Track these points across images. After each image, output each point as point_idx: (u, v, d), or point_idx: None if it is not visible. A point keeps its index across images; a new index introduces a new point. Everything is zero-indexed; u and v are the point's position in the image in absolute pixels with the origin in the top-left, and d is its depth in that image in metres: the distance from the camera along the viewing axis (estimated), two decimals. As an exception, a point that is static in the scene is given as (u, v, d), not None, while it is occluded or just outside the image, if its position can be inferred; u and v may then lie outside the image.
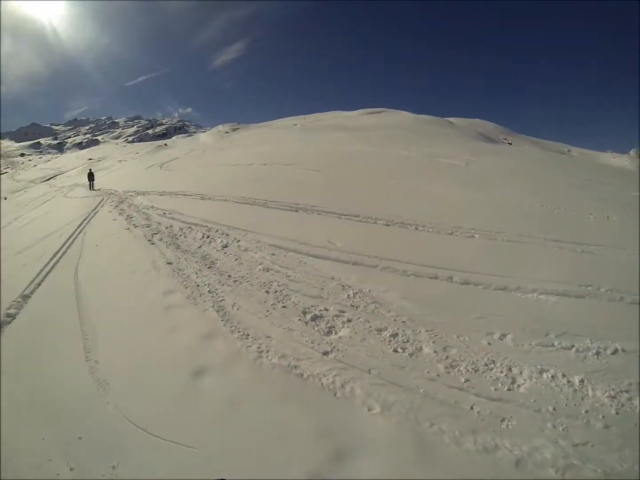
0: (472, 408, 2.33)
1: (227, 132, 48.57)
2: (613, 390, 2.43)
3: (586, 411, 2.28)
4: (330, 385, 2.59)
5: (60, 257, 5.95)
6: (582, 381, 2.52)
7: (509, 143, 35.13)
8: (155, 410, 2.43)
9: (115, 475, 1.98)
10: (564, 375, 2.57)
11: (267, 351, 3.00)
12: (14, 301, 4.38)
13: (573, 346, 2.86)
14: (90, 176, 15.43)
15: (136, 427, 2.26)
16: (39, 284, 4.91)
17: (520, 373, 2.63)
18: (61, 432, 2.33)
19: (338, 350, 3.00)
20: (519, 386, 2.52)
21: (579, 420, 2.22)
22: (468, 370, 2.67)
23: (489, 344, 2.97)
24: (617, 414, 2.26)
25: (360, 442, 2.12)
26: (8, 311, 4.15)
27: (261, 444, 2.15)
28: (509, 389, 2.49)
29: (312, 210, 6.84)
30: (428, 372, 2.69)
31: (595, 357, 2.77)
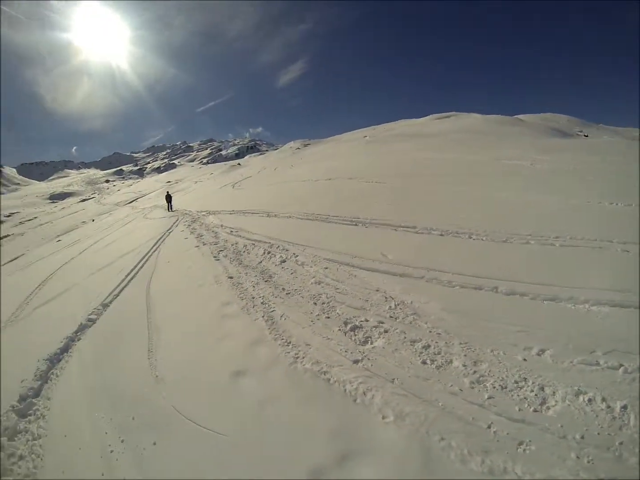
0: (489, 427, 2.24)
1: (298, 149, 50.57)
2: (660, 421, 2.10)
3: (621, 443, 2.03)
4: (352, 391, 2.72)
5: (137, 272, 6.69)
6: (624, 407, 2.24)
7: (584, 135, 30.88)
8: (197, 402, 2.84)
9: (153, 448, 2.45)
10: (603, 400, 2.32)
11: (303, 357, 3.22)
12: (95, 308, 5.15)
13: (621, 366, 2.55)
14: (168, 198, 16.90)
15: (179, 413, 2.71)
16: (117, 295, 5.62)
17: (553, 394, 2.43)
18: (119, 413, 2.87)
19: (368, 359, 3.10)
20: (548, 408, 2.34)
21: (610, 453, 1.99)
22: (494, 387, 2.56)
23: (525, 359, 2.80)
24: (658, 449, 1.95)
25: (367, 447, 2.22)
26: (90, 317, 4.88)
27: (278, 438, 2.40)
28: (535, 410, 2.33)
29: (371, 224, 6.93)
30: (451, 385, 2.64)
31: (646, 380, 2.42)
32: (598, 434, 2.12)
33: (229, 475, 2.19)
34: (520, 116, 37.07)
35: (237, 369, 3.16)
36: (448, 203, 7.53)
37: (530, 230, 5.31)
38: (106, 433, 2.69)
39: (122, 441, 2.59)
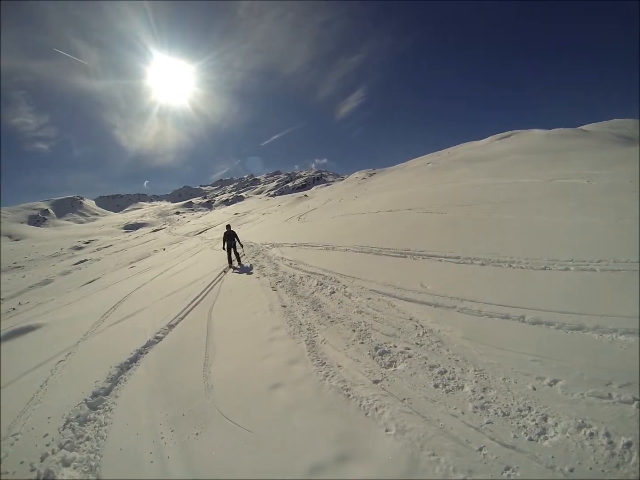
0: (480, 450, 2.24)
1: (363, 179, 50.62)
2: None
3: None
4: (366, 406, 2.89)
5: (201, 299, 7.09)
6: (628, 445, 2.06)
7: None
8: (236, 406, 3.26)
9: (196, 437, 2.91)
10: (606, 435, 2.15)
11: (332, 376, 3.43)
12: (162, 328, 5.59)
13: (635, 400, 2.32)
14: (230, 240, 10.26)
15: (221, 414, 3.16)
16: (182, 318, 6.07)
17: (555, 425, 2.32)
18: (173, 410, 3.38)
19: (387, 380, 3.22)
20: (545, 438, 2.24)
21: None
22: (496, 413, 2.53)
23: (534, 389, 2.69)
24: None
25: (365, 453, 2.40)
26: (157, 335, 5.36)
27: (293, 438, 2.69)
28: (530, 439, 2.25)
29: (419, 255, 6.87)
30: (455, 408, 2.66)
31: (662, 418, 2.16)
32: (590, 469, 1.99)
33: (247, 459, 2.57)
34: (586, 126, 32.76)
35: (274, 382, 3.51)
36: (494, 231, 7.17)
37: (572, 256, 4.90)
38: (160, 424, 3.18)
39: (172, 431, 3.06)
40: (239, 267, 9.62)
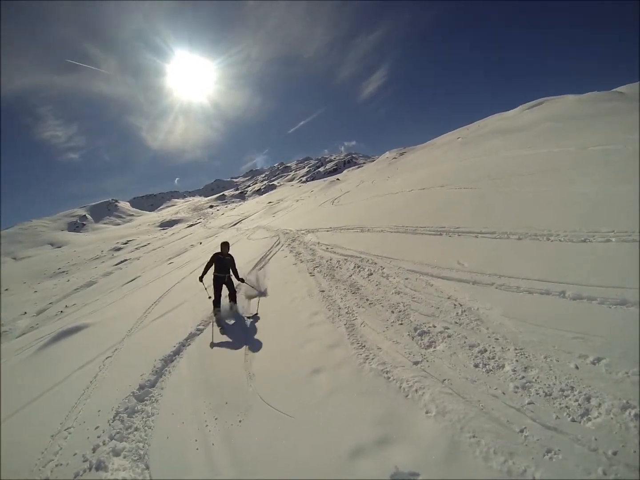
0: (521, 431, 2.23)
1: (394, 158, 48.82)
2: None
3: None
4: (406, 388, 2.92)
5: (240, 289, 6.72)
6: None
7: None
8: (277, 392, 3.39)
9: (239, 425, 3.06)
10: None
11: (372, 358, 3.47)
12: (202, 320, 5.81)
13: None
14: (221, 270, 5.96)
15: (262, 400, 3.30)
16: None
17: (599, 405, 2.26)
18: (216, 399, 3.55)
19: (427, 361, 3.24)
20: (588, 419, 2.19)
21: None
22: (538, 394, 2.50)
23: (577, 367, 2.62)
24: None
25: (405, 435, 2.46)
26: (198, 327, 5.58)
27: (334, 422, 2.77)
28: (572, 420, 2.21)
29: (454, 232, 6.68)
30: (496, 388, 2.66)
31: None
32: (634, 452, 1.93)
33: (289, 444, 2.68)
34: (620, 88, 28.81)
35: (314, 367, 3.60)
36: (529, 204, 6.76)
37: (613, 226, 4.56)
38: (204, 413, 3.33)
39: (216, 419, 3.21)
40: (229, 319, 5.76)
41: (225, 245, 6.16)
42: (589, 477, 1.88)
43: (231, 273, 6.03)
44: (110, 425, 3.41)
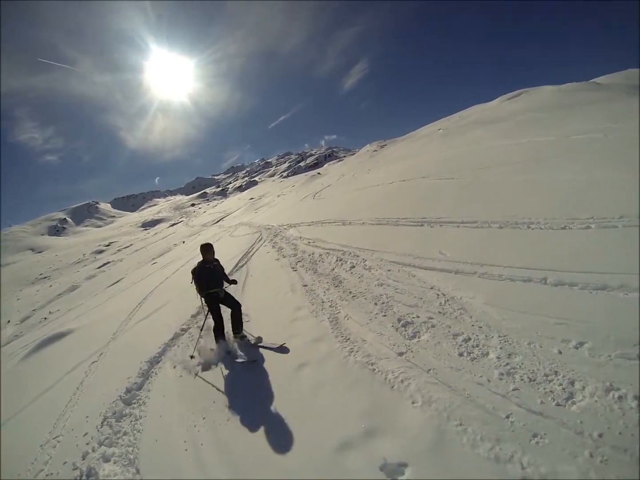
0: (507, 417, 2.21)
1: (375, 151, 49.06)
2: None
3: None
4: (392, 380, 2.89)
5: None
6: None
7: None
8: (264, 389, 3.36)
9: (227, 423, 3.01)
10: (636, 397, 2.07)
11: (357, 351, 3.44)
12: (187, 320, 5.64)
13: None
14: (211, 283, 4.30)
15: (247, 397, 3.30)
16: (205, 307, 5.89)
17: (583, 389, 2.26)
18: (203, 398, 3.50)
19: (412, 352, 3.21)
20: (573, 403, 2.19)
21: (627, 455, 1.79)
22: (522, 380, 2.49)
23: (560, 352, 2.62)
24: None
25: (392, 426, 2.43)
26: (182, 327, 5.39)
27: (322, 415, 2.74)
28: (557, 404, 2.21)
29: (436, 223, 6.69)
30: (481, 376, 2.64)
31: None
32: (620, 433, 1.93)
33: (278, 440, 2.66)
34: (598, 79, 30.20)
35: (300, 362, 3.57)
36: (510, 193, 6.86)
37: (592, 213, 4.65)
38: (192, 413, 3.29)
39: (204, 418, 3.17)
40: (240, 352, 4.25)
41: (207, 249, 4.42)
42: (575, 460, 1.87)
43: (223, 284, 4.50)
44: (98, 431, 3.35)
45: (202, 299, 4.39)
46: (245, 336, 4.46)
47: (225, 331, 4.42)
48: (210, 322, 4.44)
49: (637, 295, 2.93)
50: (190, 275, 4.45)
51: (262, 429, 2.83)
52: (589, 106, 16.64)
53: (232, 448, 2.73)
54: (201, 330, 4.72)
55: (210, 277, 4.34)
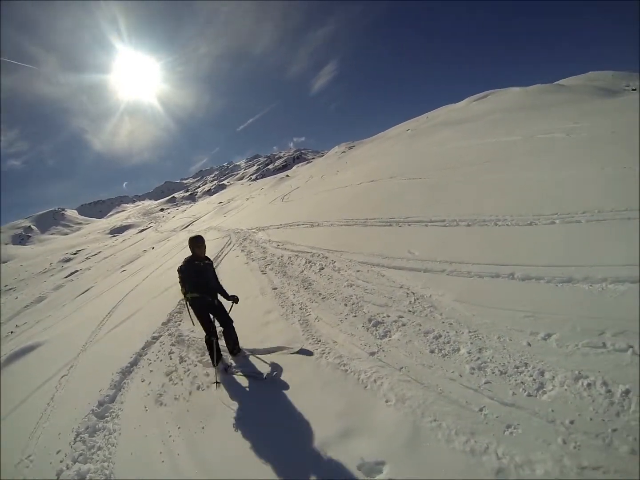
0: (480, 410, 2.20)
1: (343, 152, 49.45)
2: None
3: (614, 430, 1.84)
4: (364, 379, 2.83)
5: None
6: (626, 392, 2.01)
7: (632, 90, 25.99)
8: (239, 395, 3.22)
9: (202, 431, 2.86)
10: (604, 384, 2.11)
11: (329, 353, 3.35)
12: (158, 327, 5.37)
13: (630, 347, 2.28)
14: (203, 286, 3.53)
15: (224, 404, 3.12)
16: (176, 314, 5.75)
17: (553, 378, 2.28)
18: (177, 407, 3.32)
19: (383, 351, 3.15)
20: (543, 393, 2.20)
21: (599, 440, 1.81)
22: (494, 373, 2.48)
23: (529, 344, 2.64)
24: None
25: (367, 426, 2.37)
26: (154, 335, 5.15)
27: (297, 417, 2.67)
28: (528, 395, 2.21)
29: (404, 222, 6.72)
30: (452, 372, 2.61)
31: (658, 363, 2.13)
32: (591, 419, 1.95)
33: (256, 445, 2.53)
34: (562, 81, 32.60)
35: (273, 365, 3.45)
36: (478, 192, 7.05)
37: (557, 209, 4.84)
38: (167, 422, 3.12)
39: (179, 428, 3.00)
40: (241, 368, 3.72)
41: (197, 242, 3.70)
42: (548, 447, 1.87)
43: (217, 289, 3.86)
44: (72, 447, 3.18)
45: (187, 302, 3.59)
46: (241, 350, 3.93)
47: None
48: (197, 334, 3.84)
49: (601, 286, 3.04)
50: (177, 275, 3.63)
51: (238, 434, 2.71)
52: (554, 107, 17.69)
53: (208, 456, 2.63)
54: (213, 359, 3.64)
55: (200, 279, 3.53)
